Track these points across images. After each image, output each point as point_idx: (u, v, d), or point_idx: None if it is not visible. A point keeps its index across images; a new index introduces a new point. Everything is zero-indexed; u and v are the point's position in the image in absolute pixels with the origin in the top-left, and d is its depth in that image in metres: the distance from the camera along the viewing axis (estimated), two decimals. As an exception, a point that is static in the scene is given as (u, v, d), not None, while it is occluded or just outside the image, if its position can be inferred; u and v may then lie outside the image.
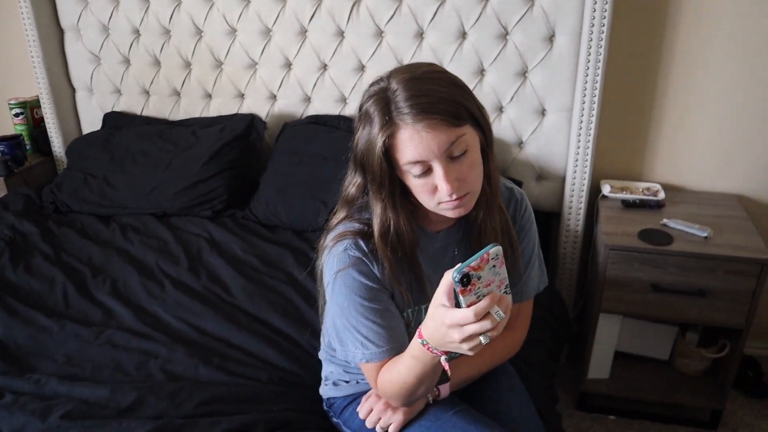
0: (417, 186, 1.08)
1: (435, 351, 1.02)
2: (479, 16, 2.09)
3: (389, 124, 1.03)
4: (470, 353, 0.95)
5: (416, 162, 1.04)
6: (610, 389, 2.16)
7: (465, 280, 0.89)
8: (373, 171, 1.08)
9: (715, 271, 1.88)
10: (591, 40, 1.96)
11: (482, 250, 0.89)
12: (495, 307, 0.90)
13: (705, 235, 1.93)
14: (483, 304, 0.90)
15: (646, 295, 1.95)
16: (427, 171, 1.06)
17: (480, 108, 1.09)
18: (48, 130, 2.75)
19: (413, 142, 1.02)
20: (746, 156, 2.19)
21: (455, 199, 1.07)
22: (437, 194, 1.07)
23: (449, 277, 0.91)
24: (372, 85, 1.09)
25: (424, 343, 1.02)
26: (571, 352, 2.45)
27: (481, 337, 0.92)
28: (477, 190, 1.11)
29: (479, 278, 0.90)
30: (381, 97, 1.05)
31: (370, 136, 1.06)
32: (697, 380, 2.18)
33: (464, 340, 0.93)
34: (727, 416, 2.19)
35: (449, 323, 0.93)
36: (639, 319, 2.15)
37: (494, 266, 0.90)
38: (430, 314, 0.99)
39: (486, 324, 0.90)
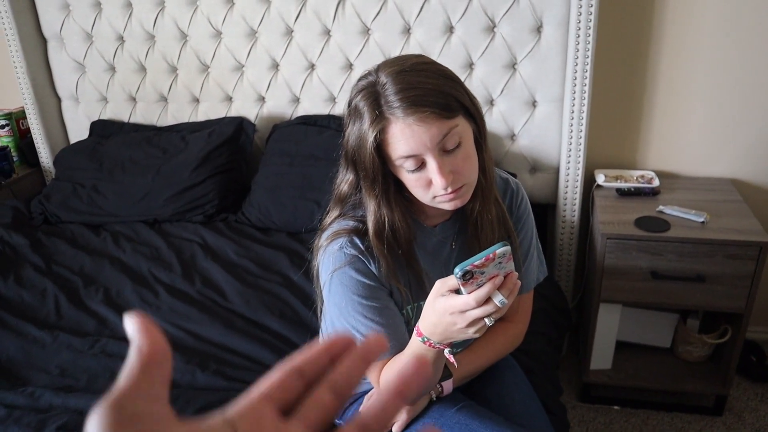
0: (411, 180, 1.07)
1: (437, 345, 1.00)
2: (465, 10, 2.07)
3: (380, 118, 1.01)
4: (477, 335, 0.95)
5: (409, 156, 1.02)
6: (613, 379, 2.15)
7: (467, 276, 0.88)
8: (365, 167, 1.06)
9: (713, 256, 1.87)
10: (579, 29, 1.94)
11: (488, 250, 0.87)
12: (497, 294, 0.89)
13: (702, 220, 1.92)
14: (483, 290, 0.89)
15: (645, 283, 1.94)
16: (421, 165, 1.04)
17: (472, 99, 1.08)
18: (35, 140, 2.72)
19: (405, 136, 1.00)
20: (739, 139, 2.18)
21: (451, 192, 1.05)
22: (432, 188, 1.06)
23: (443, 279, 0.94)
24: (360, 79, 1.07)
25: (425, 340, 1.01)
26: (573, 343, 2.44)
27: (486, 319, 0.91)
28: (473, 181, 1.09)
29: (482, 273, 0.88)
30: (370, 91, 1.03)
31: (360, 131, 1.04)
32: (700, 367, 2.17)
33: (468, 325, 0.93)
34: (732, 402, 2.19)
35: (451, 311, 0.93)
36: (639, 307, 2.14)
37: (500, 262, 0.89)
38: (429, 309, 0.98)
39: (488, 308, 0.90)
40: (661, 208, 2.01)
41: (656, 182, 2.15)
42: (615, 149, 2.29)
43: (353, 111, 1.06)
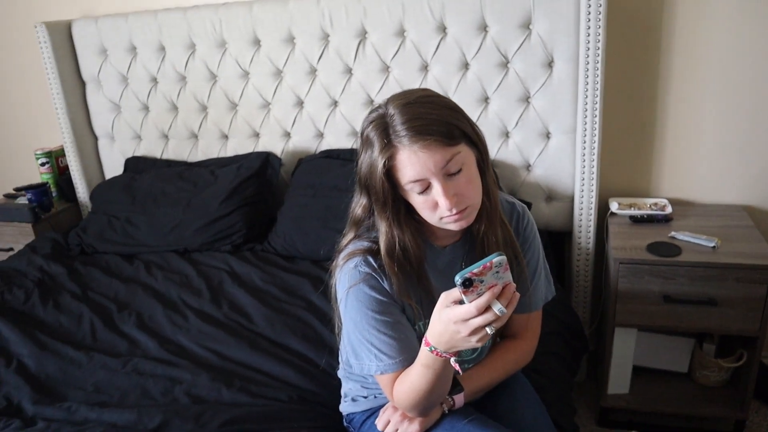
0: (419, 203, 1.15)
1: (444, 354, 1.07)
2: (480, 47, 2.18)
3: (388, 146, 1.11)
4: (479, 345, 1.01)
5: (416, 180, 1.11)
6: (631, 404, 2.17)
7: (467, 283, 0.95)
8: (376, 191, 1.16)
9: (724, 280, 1.90)
10: (588, 63, 2.03)
11: (486, 258, 0.95)
12: (496, 302, 0.96)
13: (713, 245, 1.96)
14: (483, 299, 0.96)
15: (658, 307, 1.98)
16: (427, 188, 1.13)
17: (473, 127, 1.17)
18: (72, 177, 2.87)
19: (411, 162, 1.09)
20: (751, 166, 2.23)
21: (456, 213, 1.13)
22: (438, 210, 1.14)
23: (448, 291, 1.01)
24: (371, 111, 1.17)
25: (432, 349, 1.08)
26: (591, 369, 2.47)
27: (487, 328, 0.98)
28: (476, 203, 1.17)
29: (482, 282, 0.95)
30: (380, 122, 1.13)
31: (371, 159, 1.14)
32: (718, 391, 2.18)
33: (471, 333, 0.99)
34: (751, 427, 2.19)
35: (455, 320, 0.99)
36: (653, 331, 2.17)
37: (497, 272, 0.96)
38: (435, 319, 1.05)
39: (488, 316, 0.97)
40: (672, 233, 2.06)
41: (669, 209, 2.20)
42: (629, 178, 2.35)
43: (365, 140, 1.16)
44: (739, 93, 2.15)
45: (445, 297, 1.03)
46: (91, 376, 1.70)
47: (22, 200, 2.75)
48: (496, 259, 0.94)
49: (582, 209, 2.21)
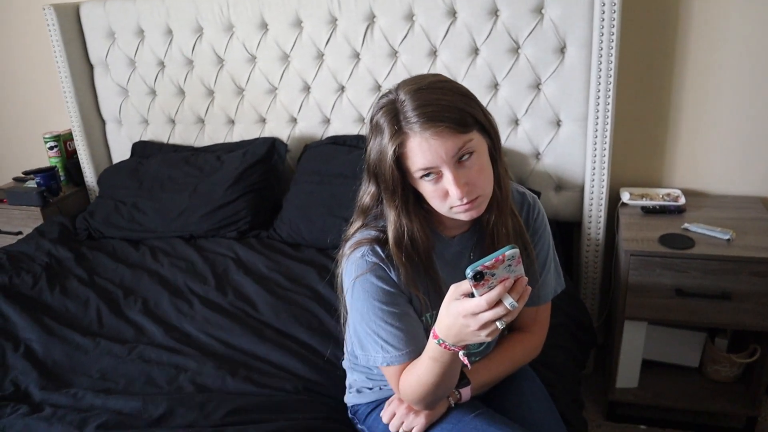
0: (429, 192, 1.12)
1: (452, 348, 1.05)
2: (490, 32, 2.14)
3: (399, 133, 1.07)
4: (488, 339, 0.99)
5: (426, 168, 1.08)
6: (639, 398, 2.14)
7: (478, 276, 0.92)
8: (385, 179, 1.12)
9: (739, 274, 1.87)
10: (601, 49, 1.98)
11: (498, 251, 0.92)
12: (507, 296, 0.93)
13: (727, 237, 1.92)
14: (494, 293, 0.93)
15: (670, 300, 1.94)
16: (438, 177, 1.10)
17: (486, 114, 1.13)
18: (80, 161, 2.86)
19: (422, 150, 1.06)
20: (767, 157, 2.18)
21: (466, 203, 1.10)
22: (449, 199, 1.11)
23: (457, 283, 0.98)
24: (381, 97, 1.14)
25: (440, 342, 1.05)
26: (599, 362, 2.44)
27: (497, 323, 0.96)
28: (487, 193, 1.14)
29: (493, 275, 0.93)
30: (390, 108, 1.09)
31: (381, 146, 1.11)
32: (730, 387, 2.15)
33: (480, 327, 0.96)
34: (763, 423, 2.16)
35: (464, 313, 0.97)
36: (664, 325, 2.14)
37: (509, 265, 0.93)
38: (443, 312, 1.02)
39: (499, 310, 0.94)
40: (686, 225, 2.02)
41: (682, 200, 2.16)
42: (641, 167, 2.31)
43: (374, 127, 1.12)
44: (758, 81, 2.10)
45: (455, 289, 1.00)
46: (96, 362, 1.69)
47: (31, 184, 2.74)
48: (509, 252, 0.91)
49: (592, 199, 2.18)
